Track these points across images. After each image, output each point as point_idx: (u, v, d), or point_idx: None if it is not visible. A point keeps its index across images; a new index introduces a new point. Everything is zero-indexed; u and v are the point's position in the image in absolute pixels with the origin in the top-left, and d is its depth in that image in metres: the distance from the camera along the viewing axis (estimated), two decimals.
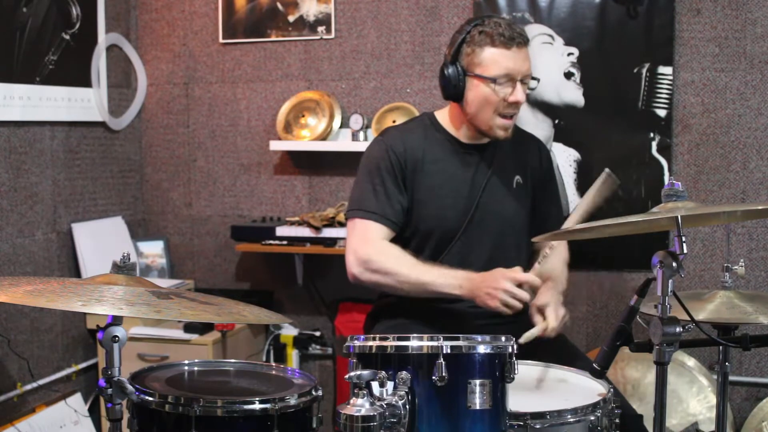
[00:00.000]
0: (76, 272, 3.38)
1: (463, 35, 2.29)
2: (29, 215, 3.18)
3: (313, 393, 1.84)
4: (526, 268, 2.49)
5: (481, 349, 1.61)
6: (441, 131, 2.41)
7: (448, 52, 2.34)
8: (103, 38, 3.55)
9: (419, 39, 3.44)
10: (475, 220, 2.34)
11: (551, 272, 2.40)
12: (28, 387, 3.11)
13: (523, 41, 2.26)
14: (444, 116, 2.43)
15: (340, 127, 3.49)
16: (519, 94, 2.25)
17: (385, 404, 1.54)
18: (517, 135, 2.52)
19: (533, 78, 2.33)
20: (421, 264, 2.26)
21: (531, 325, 2.21)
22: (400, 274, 2.24)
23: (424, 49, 3.43)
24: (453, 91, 2.31)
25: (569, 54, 3.25)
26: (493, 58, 2.24)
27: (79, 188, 3.45)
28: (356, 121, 3.41)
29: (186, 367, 2.04)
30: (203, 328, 3.25)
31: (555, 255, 2.46)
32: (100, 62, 3.53)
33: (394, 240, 2.35)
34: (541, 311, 2.20)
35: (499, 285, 2.12)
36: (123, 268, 1.76)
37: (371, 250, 2.28)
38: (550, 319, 2.16)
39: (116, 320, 1.67)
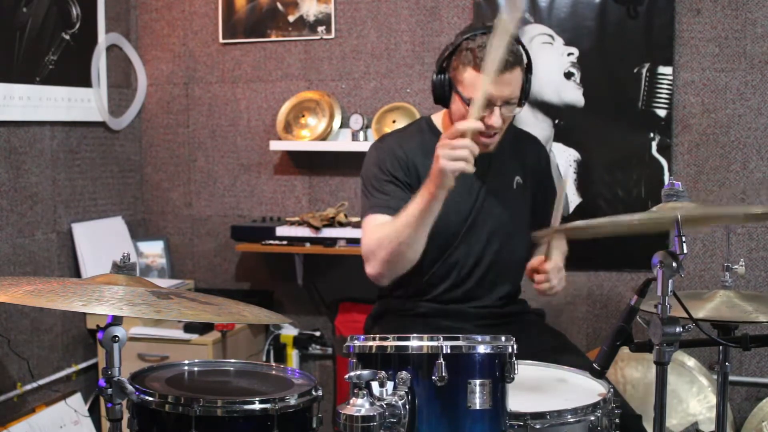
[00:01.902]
0: (76, 272, 3.38)
1: (454, 46, 2.24)
2: (29, 215, 3.18)
3: (313, 393, 1.84)
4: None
5: (481, 349, 1.60)
6: (437, 135, 2.39)
7: (439, 58, 2.29)
8: (103, 38, 3.55)
9: (419, 39, 3.44)
10: (476, 222, 2.34)
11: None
12: (28, 387, 3.11)
13: (504, 67, 2.14)
14: (441, 120, 2.42)
15: (340, 127, 3.49)
16: (495, 119, 2.19)
17: (385, 404, 1.54)
18: (516, 135, 2.51)
19: (519, 104, 2.25)
20: (400, 213, 2.18)
21: (531, 327, 2.21)
22: (390, 234, 2.18)
23: (424, 49, 3.43)
24: (440, 98, 2.29)
25: (569, 54, 3.25)
26: (472, 81, 2.19)
27: (79, 188, 3.45)
28: (356, 121, 3.41)
29: (186, 367, 2.04)
30: (203, 328, 3.25)
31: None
32: (100, 62, 3.53)
33: None
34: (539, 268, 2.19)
35: (437, 152, 2.05)
36: (123, 268, 1.76)
37: (365, 240, 2.26)
38: (552, 276, 2.15)
39: (116, 320, 1.67)
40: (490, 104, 2.19)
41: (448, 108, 2.32)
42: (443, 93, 2.27)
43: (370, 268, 2.26)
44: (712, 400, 2.89)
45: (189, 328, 3.26)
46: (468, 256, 2.33)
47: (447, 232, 2.33)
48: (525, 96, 2.28)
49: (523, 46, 2.26)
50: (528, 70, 2.28)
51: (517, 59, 2.20)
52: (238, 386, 1.97)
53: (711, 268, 3.19)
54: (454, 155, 2.02)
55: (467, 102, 2.19)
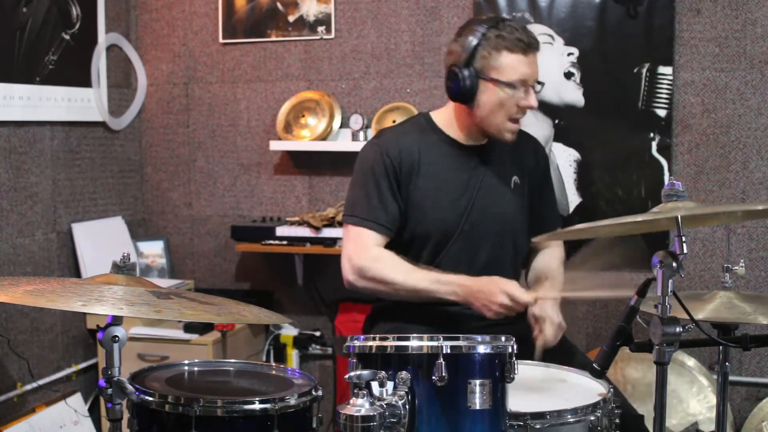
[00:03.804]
0: (76, 272, 3.38)
1: (479, 38, 2.24)
2: (29, 215, 3.18)
3: (313, 393, 1.84)
4: (523, 267, 2.50)
5: (481, 349, 1.60)
6: (437, 132, 2.39)
7: (460, 54, 2.27)
8: (103, 38, 3.55)
9: (419, 39, 3.44)
10: (472, 221, 2.33)
11: (548, 271, 2.39)
12: (28, 387, 3.11)
13: (537, 47, 2.27)
14: (440, 117, 2.41)
15: (340, 127, 3.49)
16: (532, 99, 2.26)
17: (385, 404, 1.54)
18: None
19: (539, 82, 2.32)
20: (416, 270, 2.25)
21: (530, 327, 2.21)
22: (396, 282, 2.25)
23: (424, 49, 3.43)
24: (464, 93, 2.27)
25: (569, 54, 3.25)
26: (511, 64, 2.23)
27: (79, 188, 3.45)
28: (356, 121, 3.41)
29: (186, 367, 2.04)
30: (203, 328, 3.25)
31: (551, 253, 2.46)
32: (100, 62, 3.53)
33: (391, 242, 2.35)
34: (537, 320, 2.19)
35: (495, 299, 2.13)
36: (123, 268, 1.76)
37: (366, 257, 2.28)
38: (547, 332, 2.16)
39: (116, 320, 1.67)
40: (526, 85, 2.25)
41: (468, 104, 2.29)
42: (471, 88, 2.25)
43: (352, 279, 2.31)
44: (712, 400, 2.89)
45: (189, 328, 3.26)
46: (463, 255, 2.33)
47: (443, 232, 2.33)
48: None
49: None
50: None
51: (540, 44, 2.29)
52: (238, 386, 1.97)
53: (711, 268, 3.19)
54: (503, 314, 2.14)
55: (509, 85, 2.23)
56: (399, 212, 2.32)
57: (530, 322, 2.20)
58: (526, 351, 2.11)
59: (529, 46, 2.23)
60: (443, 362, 1.56)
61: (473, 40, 2.25)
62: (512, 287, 2.14)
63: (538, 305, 2.19)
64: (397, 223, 2.33)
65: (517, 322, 2.23)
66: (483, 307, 2.16)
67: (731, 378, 2.86)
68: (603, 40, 3.22)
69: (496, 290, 2.13)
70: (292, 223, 3.44)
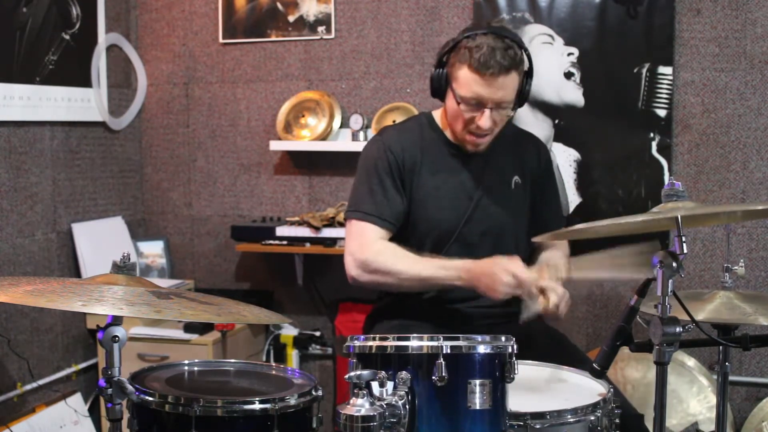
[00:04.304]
0: (76, 272, 3.39)
1: (455, 42, 2.25)
2: (29, 215, 3.18)
3: (313, 393, 1.84)
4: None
5: (481, 349, 1.60)
6: (438, 131, 2.40)
7: (441, 51, 2.31)
8: (103, 38, 3.55)
9: (419, 39, 3.44)
10: (473, 221, 2.33)
11: (550, 260, 2.38)
12: (28, 387, 3.11)
13: (499, 70, 2.16)
14: (441, 116, 2.43)
15: (340, 127, 3.49)
16: (483, 121, 2.21)
17: (385, 404, 1.54)
18: (515, 135, 2.51)
19: (513, 108, 2.27)
20: (420, 259, 2.24)
21: (531, 327, 2.20)
22: (400, 272, 2.24)
23: (424, 49, 3.43)
24: (435, 90, 2.33)
25: (569, 54, 3.25)
26: (465, 79, 2.21)
27: (79, 188, 3.45)
28: (356, 121, 3.41)
29: (186, 367, 2.04)
30: (203, 328, 3.25)
31: (555, 249, 2.46)
32: (100, 62, 3.53)
33: (392, 240, 2.35)
34: (541, 291, 2.17)
35: (499, 280, 2.10)
36: (123, 268, 1.76)
37: (368, 251, 2.27)
38: (551, 297, 2.11)
39: (116, 320, 1.67)
40: (480, 105, 2.21)
41: (444, 102, 2.33)
42: (440, 87, 2.30)
43: (356, 274, 2.30)
44: (712, 400, 2.89)
45: (189, 328, 3.26)
46: (463, 255, 2.32)
47: (443, 231, 2.33)
48: (522, 100, 2.29)
49: (526, 51, 2.25)
50: (528, 74, 2.28)
51: (514, 63, 2.20)
52: (238, 386, 1.97)
53: (711, 268, 3.19)
54: (511, 293, 2.11)
55: (458, 100, 2.22)
56: (402, 208, 2.32)
57: (534, 295, 2.17)
58: (526, 351, 2.10)
59: (485, 68, 2.16)
60: (443, 362, 1.56)
61: (451, 43, 2.27)
62: (515, 266, 2.11)
63: (541, 280, 2.16)
64: (401, 219, 2.33)
65: (517, 322, 2.22)
66: (488, 290, 2.13)
67: (731, 378, 2.86)
68: (603, 40, 3.22)
69: (500, 271, 2.11)
70: (292, 223, 3.44)
